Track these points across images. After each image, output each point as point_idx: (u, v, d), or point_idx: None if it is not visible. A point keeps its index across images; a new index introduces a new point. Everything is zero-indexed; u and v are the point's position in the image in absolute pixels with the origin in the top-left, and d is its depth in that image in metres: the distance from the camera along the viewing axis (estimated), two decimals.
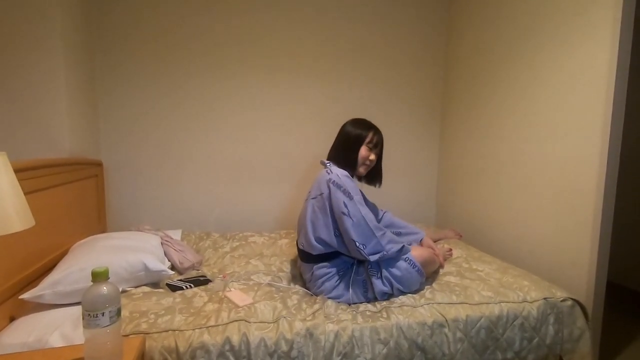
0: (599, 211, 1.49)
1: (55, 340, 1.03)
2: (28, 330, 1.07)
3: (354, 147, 1.50)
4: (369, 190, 1.67)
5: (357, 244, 1.34)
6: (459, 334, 1.25)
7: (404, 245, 1.42)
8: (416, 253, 1.44)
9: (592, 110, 1.51)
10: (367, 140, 1.50)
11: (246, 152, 2.37)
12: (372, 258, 1.35)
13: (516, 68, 1.91)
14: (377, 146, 1.54)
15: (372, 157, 1.53)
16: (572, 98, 1.60)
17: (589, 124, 1.52)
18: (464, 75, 2.36)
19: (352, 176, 1.50)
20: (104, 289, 0.81)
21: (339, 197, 1.37)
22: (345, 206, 1.36)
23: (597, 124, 1.48)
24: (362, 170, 1.54)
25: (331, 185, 1.40)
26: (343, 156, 1.52)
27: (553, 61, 1.69)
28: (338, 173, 1.42)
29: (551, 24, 1.69)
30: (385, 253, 1.36)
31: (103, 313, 0.79)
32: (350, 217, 1.35)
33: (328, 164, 1.50)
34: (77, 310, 1.04)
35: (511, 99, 1.95)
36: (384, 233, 1.40)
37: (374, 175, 1.63)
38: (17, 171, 0.88)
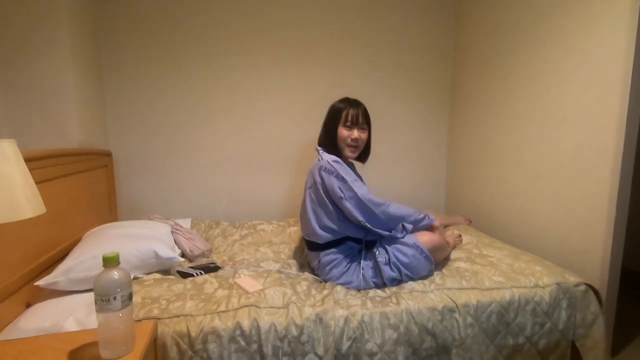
0: (614, 197, 1.45)
1: (70, 325, 1.05)
2: (43, 316, 1.09)
3: (332, 123, 1.47)
4: (373, 175, 1.63)
5: (363, 222, 1.36)
6: (469, 319, 1.24)
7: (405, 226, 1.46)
8: (425, 239, 1.42)
9: (608, 93, 1.45)
10: (342, 119, 1.45)
11: (253, 141, 2.36)
12: (384, 233, 1.39)
13: (527, 50, 1.85)
14: (357, 122, 1.46)
15: (355, 134, 1.45)
16: (586, 81, 1.54)
17: (605, 108, 1.47)
18: (474, 60, 2.30)
19: (342, 161, 1.46)
20: (115, 273, 0.81)
21: (333, 183, 1.37)
22: (341, 190, 1.36)
23: (614, 108, 1.43)
24: (349, 152, 1.48)
25: (323, 172, 1.39)
26: (326, 135, 1.49)
27: (566, 42, 1.63)
28: (328, 159, 1.41)
29: (565, 2, 1.63)
30: (394, 231, 1.41)
31: (115, 297, 0.80)
32: (348, 200, 1.36)
33: (320, 151, 1.49)
34: (90, 296, 1.05)
35: (522, 83, 1.90)
36: (388, 206, 1.41)
37: (362, 152, 1.55)
38: (28, 161, 0.88)
